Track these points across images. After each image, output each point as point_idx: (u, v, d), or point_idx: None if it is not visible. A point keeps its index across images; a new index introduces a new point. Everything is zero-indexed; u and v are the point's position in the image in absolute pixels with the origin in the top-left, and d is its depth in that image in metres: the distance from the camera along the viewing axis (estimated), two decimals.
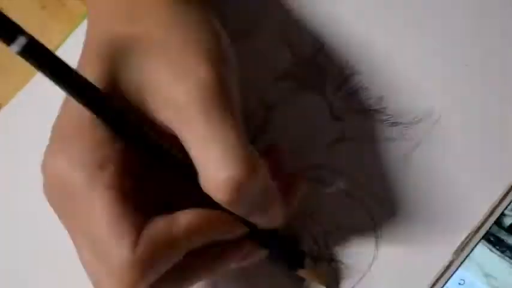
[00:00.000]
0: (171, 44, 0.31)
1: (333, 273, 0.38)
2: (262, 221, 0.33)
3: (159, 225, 0.29)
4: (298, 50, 0.43)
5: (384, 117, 0.41)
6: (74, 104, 0.29)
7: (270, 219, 0.33)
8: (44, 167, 0.30)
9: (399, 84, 0.42)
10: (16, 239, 0.41)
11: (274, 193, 0.32)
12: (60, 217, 0.31)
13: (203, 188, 0.30)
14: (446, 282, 0.36)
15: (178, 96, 0.30)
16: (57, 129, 0.31)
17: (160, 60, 0.30)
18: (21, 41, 0.25)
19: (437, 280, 0.36)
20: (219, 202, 0.30)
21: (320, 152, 0.41)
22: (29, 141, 0.41)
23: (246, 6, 0.44)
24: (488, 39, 0.42)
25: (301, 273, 0.38)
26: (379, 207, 0.39)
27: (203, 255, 0.32)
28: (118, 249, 0.28)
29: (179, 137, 0.30)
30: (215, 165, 0.28)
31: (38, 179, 0.31)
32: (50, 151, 0.30)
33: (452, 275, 0.36)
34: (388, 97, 0.42)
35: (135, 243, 0.28)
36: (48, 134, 0.31)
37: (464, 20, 0.43)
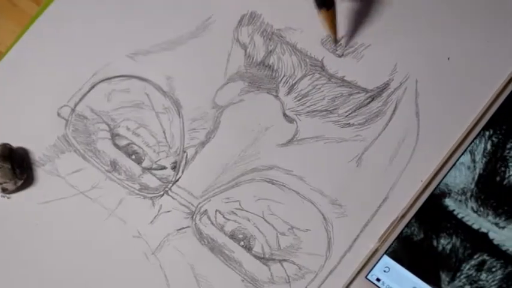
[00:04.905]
0: None
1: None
2: None
3: None
4: (251, 52, 0.44)
5: (336, 119, 0.42)
6: None
7: None
8: None
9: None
10: None
11: None
12: None
13: None
14: (371, 269, 0.37)
15: None
16: None
17: None
18: None
19: (362, 267, 0.38)
20: None
21: (272, 153, 0.42)
22: None
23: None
24: None
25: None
26: (331, 208, 0.40)
27: None
28: None
29: None
30: None
31: None
32: None
33: (377, 263, 0.37)
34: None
35: None
36: None
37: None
